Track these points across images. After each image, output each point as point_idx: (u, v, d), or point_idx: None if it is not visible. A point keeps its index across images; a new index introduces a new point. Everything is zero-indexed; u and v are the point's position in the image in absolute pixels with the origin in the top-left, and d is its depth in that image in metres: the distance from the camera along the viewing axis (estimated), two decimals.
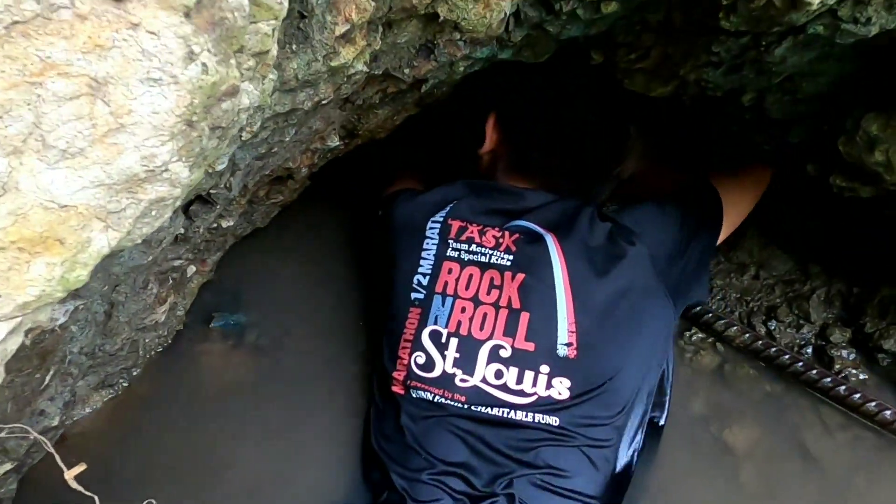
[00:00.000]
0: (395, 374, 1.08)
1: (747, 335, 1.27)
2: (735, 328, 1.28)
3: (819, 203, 1.30)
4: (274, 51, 0.43)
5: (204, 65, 0.39)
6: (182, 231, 0.95)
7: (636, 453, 1.07)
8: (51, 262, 0.37)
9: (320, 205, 1.57)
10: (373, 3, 0.66)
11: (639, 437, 1.08)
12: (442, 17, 0.80)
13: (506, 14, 0.83)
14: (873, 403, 1.14)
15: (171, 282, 1.07)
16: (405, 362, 1.07)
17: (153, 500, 0.72)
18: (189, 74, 0.37)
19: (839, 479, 1.09)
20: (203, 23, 0.38)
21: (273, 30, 0.44)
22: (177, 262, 1.04)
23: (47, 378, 0.77)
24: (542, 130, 1.15)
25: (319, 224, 1.57)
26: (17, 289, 0.36)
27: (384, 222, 1.23)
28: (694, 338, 1.31)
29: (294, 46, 0.62)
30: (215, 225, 1.06)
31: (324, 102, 0.81)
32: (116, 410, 1.19)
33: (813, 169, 1.00)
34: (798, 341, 1.29)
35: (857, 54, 0.80)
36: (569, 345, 1.02)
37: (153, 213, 0.42)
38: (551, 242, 1.06)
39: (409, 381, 1.06)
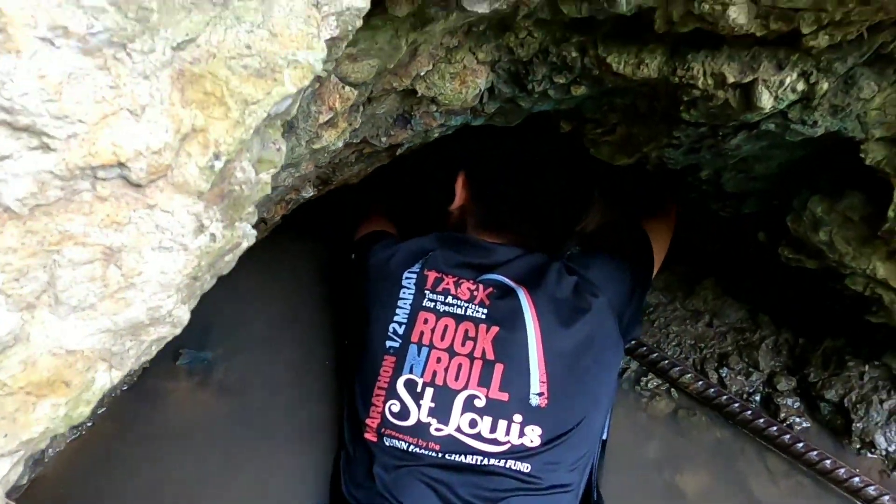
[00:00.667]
0: (367, 421, 1.10)
1: (700, 382, 1.33)
2: (689, 375, 1.34)
3: (769, 262, 1.38)
4: (269, 188, 0.46)
5: (213, 234, 0.41)
6: None
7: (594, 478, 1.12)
8: (56, 403, 0.39)
9: (290, 243, 1.59)
10: (355, 91, 0.69)
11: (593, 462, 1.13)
12: (420, 94, 0.83)
13: (480, 89, 0.87)
14: (815, 452, 1.21)
15: None
16: (379, 410, 1.09)
17: None
18: (198, 243, 0.40)
19: None
20: (213, 197, 0.40)
21: (273, 176, 0.46)
22: None
23: None
24: (510, 191, 1.19)
25: (289, 262, 1.59)
26: (23, 428, 0.38)
27: (358, 267, 1.26)
28: (650, 384, 1.36)
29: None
30: None
31: (303, 174, 0.83)
32: (81, 451, 1.19)
33: (764, 237, 1.06)
34: (747, 388, 1.35)
35: (804, 143, 0.86)
36: (540, 394, 1.06)
37: (153, 348, 0.44)
38: (523, 296, 1.11)
39: (382, 429, 1.08)
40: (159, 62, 0.34)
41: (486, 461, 1.03)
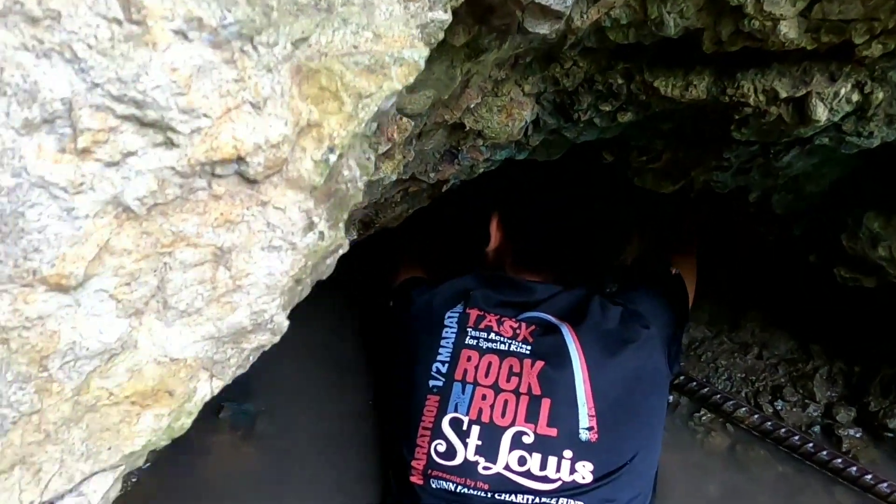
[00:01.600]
0: (413, 464, 1.07)
1: (756, 416, 1.29)
2: (743, 409, 1.30)
3: (818, 286, 1.36)
4: (362, 195, 0.46)
5: (321, 233, 0.41)
6: None
7: None
8: (159, 414, 0.38)
9: (325, 293, 1.58)
10: (412, 122, 0.70)
11: None
12: (468, 127, 0.84)
13: (526, 122, 0.88)
14: (885, 484, 1.16)
15: None
16: (424, 451, 1.06)
17: None
18: (307, 241, 0.40)
19: None
20: (322, 195, 0.40)
21: (366, 182, 0.47)
22: None
23: None
24: (544, 229, 1.20)
25: (325, 312, 1.58)
26: (126, 440, 0.37)
27: (399, 313, 1.25)
28: (703, 419, 1.32)
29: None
30: None
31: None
32: None
33: (815, 258, 1.05)
34: (805, 420, 1.31)
35: (858, 156, 0.85)
36: (590, 429, 1.03)
37: (251, 358, 0.44)
38: (566, 331, 1.09)
39: (429, 471, 1.05)
40: (281, 56, 0.35)
41: (537, 499, 0.99)
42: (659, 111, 0.83)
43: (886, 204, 0.87)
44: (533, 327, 1.12)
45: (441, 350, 1.13)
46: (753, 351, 1.41)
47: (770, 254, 1.42)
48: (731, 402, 1.31)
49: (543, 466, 1.01)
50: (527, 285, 1.17)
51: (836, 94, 0.70)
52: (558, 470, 1.01)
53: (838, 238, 0.93)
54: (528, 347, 1.10)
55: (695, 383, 1.35)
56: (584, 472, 1.01)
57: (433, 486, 1.04)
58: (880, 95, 0.70)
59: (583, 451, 1.02)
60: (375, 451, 1.26)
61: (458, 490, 1.03)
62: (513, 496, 1.00)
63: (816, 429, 1.29)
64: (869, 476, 1.17)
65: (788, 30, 0.66)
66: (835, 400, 1.32)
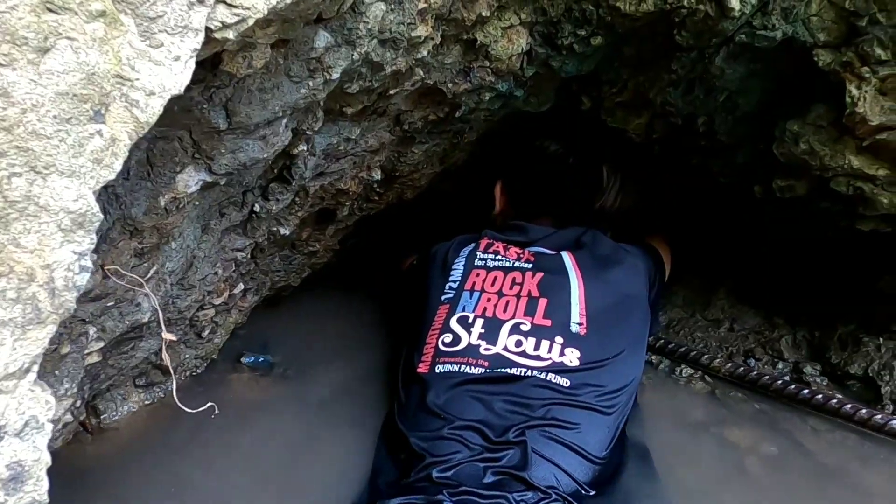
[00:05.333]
0: (422, 357, 1.19)
1: (730, 364, 1.42)
2: (719, 359, 1.43)
3: (779, 267, 1.57)
4: None
5: None
6: (256, 211, 1.14)
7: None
8: None
9: (340, 283, 1.77)
10: None
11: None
12: (479, 42, 1.11)
13: (522, 49, 1.16)
14: (849, 405, 1.27)
15: (229, 275, 1.22)
16: (432, 345, 1.19)
17: None
18: None
19: (835, 468, 1.18)
20: None
21: None
22: (238, 255, 1.20)
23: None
24: (539, 186, 1.44)
25: (339, 297, 1.75)
26: None
27: (418, 266, 1.44)
28: (684, 372, 1.45)
29: (392, 6, 0.91)
30: (274, 229, 1.25)
31: (391, 92, 1.08)
32: (152, 415, 1.24)
33: (759, 190, 1.27)
34: (776, 374, 1.43)
35: (774, 74, 1.12)
36: (580, 324, 1.18)
37: None
38: (565, 254, 1.29)
39: (436, 359, 1.16)
40: None
41: (529, 373, 1.12)
42: (621, 32, 1.11)
43: (801, 111, 1.12)
44: (535, 253, 1.31)
45: (453, 273, 1.30)
46: (725, 325, 1.57)
47: (735, 241, 1.64)
48: (707, 356, 1.44)
49: (537, 347, 1.15)
50: (528, 227, 1.37)
51: None
52: (550, 351, 1.14)
53: (772, 152, 1.17)
54: (531, 264, 1.28)
55: (673, 344, 1.49)
56: (573, 358, 1.14)
57: (438, 371, 1.16)
58: None
59: (572, 340, 1.16)
60: (384, 385, 1.36)
61: (461, 369, 1.14)
62: (509, 369, 1.12)
63: (787, 378, 1.42)
64: (835, 401, 1.28)
65: None
66: (801, 359, 1.46)
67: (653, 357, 1.50)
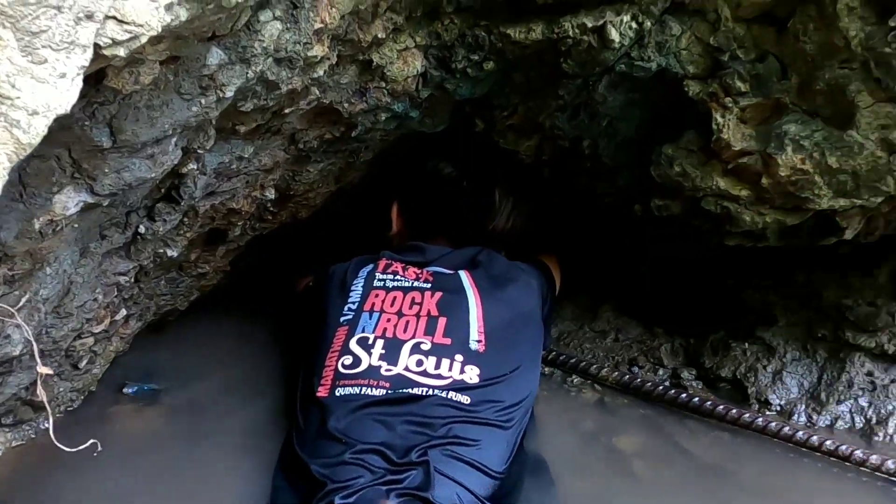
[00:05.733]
0: (321, 381, 1.17)
1: (617, 373, 1.50)
2: (606, 368, 1.51)
3: (657, 283, 1.69)
4: None
5: None
6: (141, 232, 1.09)
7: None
8: None
9: (231, 305, 1.70)
10: (339, 14, 0.96)
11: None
12: (374, 63, 1.12)
13: (418, 71, 1.18)
14: (722, 406, 1.38)
15: (110, 301, 1.14)
16: (332, 368, 1.17)
17: None
18: None
19: (712, 465, 1.27)
20: None
21: None
22: (121, 279, 1.13)
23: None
24: (434, 207, 1.47)
25: (231, 320, 1.68)
26: None
27: (316, 287, 1.41)
28: (575, 381, 1.51)
29: (288, 25, 0.90)
30: (161, 251, 1.19)
31: (286, 111, 1.07)
32: (21, 458, 1.13)
33: (639, 209, 1.36)
34: (657, 381, 1.53)
35: (650, 102, 1.21)
36: (479, 341, 1.20)
37: None
38: (462, 273, 1.31)
39: (336, 382, 1.15)
40: None
41: (431, 392, 1.12)
42: (512, 58, 1.16)
43: (674, 136, 1.21)
44: (433, 273, 1.32)
45: (351, 294, 1.29)
46: (611, 335, 1.66)
47: (619, 257, 1.75)
48: (596, 366, 1.52)
49: (438, 366, 1.16)
50: (425, 247, 1.39)
51: (622, 21, 1.06)
52: (450, 369, 1.16)
53: (650, 174, 1.25)
54: (429, 284, 1.29)
55: (564, 356, 1.56)
56: (472, 375, 1.16)
57: (338, 394, 1.14)
58: (648, 24, 1.07)
59: (471, 358, 1.18)
60: (276, 418, 1.32)
61: (362, 392, 1.13)
62: (410, 389, 1.13)
63: (667, 384, 1.52)
64: (709, 403, 1.39)
65: None
66: (678, 365, 1.57)
67: (546, 369, 1.56)
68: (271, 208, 1.38)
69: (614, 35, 1.07)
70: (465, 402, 1.12)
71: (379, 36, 1.08)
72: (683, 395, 1.42)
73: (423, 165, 1.48)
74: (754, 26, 1.06)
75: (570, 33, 1.08)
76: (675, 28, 1.08)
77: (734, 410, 1.37)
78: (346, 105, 1.16)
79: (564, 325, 1.71)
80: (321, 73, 1.03)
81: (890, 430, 1.34)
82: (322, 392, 1.16)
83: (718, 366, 1.52)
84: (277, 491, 1.10)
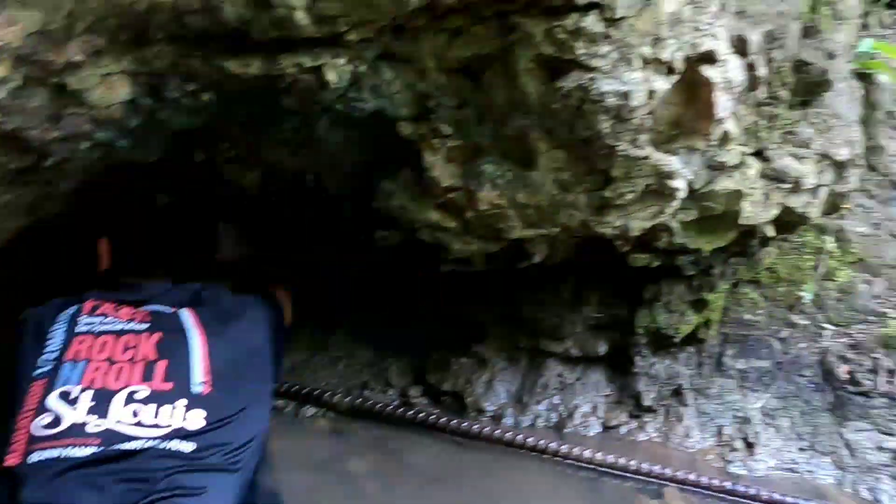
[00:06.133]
0: (11, 448, 1.00)
1: (348, 398, 1.55)
2: (339, 395, 1.55)
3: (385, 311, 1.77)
4: None
5: None
6: None
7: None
8: None
9: None
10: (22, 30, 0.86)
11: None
12: (70, 88, 1.02)
13: (124, 99, 1.10)
14: (445, 418, 1.51)
15: None
16: (25, 431, 1.01)
17: None
18: None
19: (437, 476, 1.38)
20: None
21: None
22: None
23: None
24: (148, 241, 1.37)
25: None
26: None
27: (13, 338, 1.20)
28: (308, 412, 1.53)
29: None
30: None
31: None
32: None
33: (365, 238, 1.43)
34: (387, 402, 1.61)
35: (369, 140, 1.28)
36: (203, 383, 1.14)
37: None
38: (183, 311, 1.23)
39: (29, 447, 0.99)
40: None
41: (147, 444, 1.02)
42: (230, 91, 1.14)
43: (393, 173, 1.30)
44: (151, 312, 1.22)
45: (49, 344, 1.13)
46: (343, 361, 1.71)
47: (349, 290, 1.80)
48: (329, 393, 1.55)
49: (157, 415, 1.06)
50: (142, 285, 1.27)
51: (338, 63, 1.11)
52: (172, 416, 1.07)
53: (372, 206, 1.33)
54: (146, 325, 1.18)
55: (298, 386, 1.57)
56: (198, 419, 1.09)
57: (34, 459, 0.98)
58: (363, 69, 1.13)
59: (196, 401, 1.11)
60: None
61: (63, 455, 0.98)
62: (123, 444, 1.02)
63: (396, 403, 1.61)
64: (433, 416, 1.51)
65: (301, 20, 1.05)
66: (406, 384, 1.67)
67: (280, 401, 1.54)
68: None
69: (332, 76, 1.11)
70: (188, 449, 1.05)
71: (75, 59, 0.98)
72: (410, 412, 1.52)
73: (136, 196, 1.37)
74: (456, 77, 1.19)
75: (288, 71, 1.10)
76: (388, 73, 1.17)
77: (454, 421, 1.50)
78: (35, 132, 1.03)
79: (299, 354, 1.71)
80: (2, 94, 0.90)
81: (576, 421, 1.60)
82: (11, 460, 0.99)
83: (441, 381, 1.65)
84: None
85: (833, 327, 1.69)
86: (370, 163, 1.32)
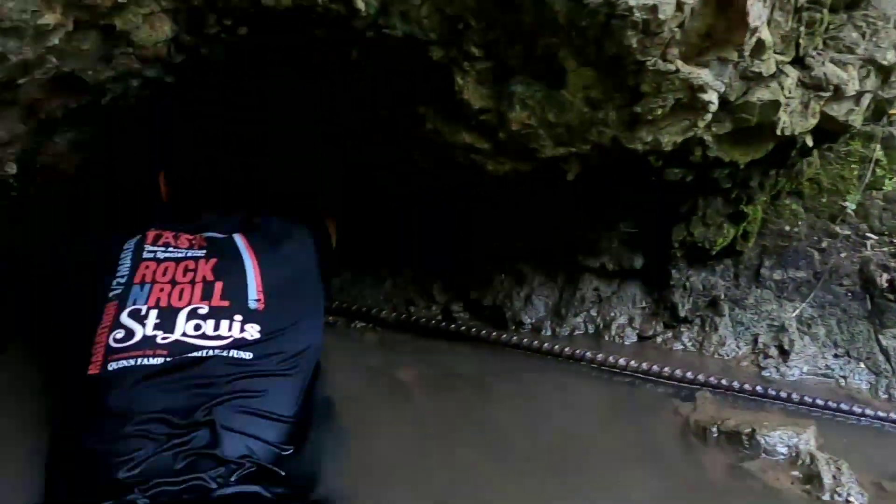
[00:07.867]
0: (91, 360, 1.12)
1: (395, 314, 1.65)
2: (385, 311, 1.65)
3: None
4: None
5: None
6: None
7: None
8: None
9: None
10: None
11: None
12: (118, 28, 1.08)
13: (168, 36, 1.15)
14: (475, 328, 1.59)
15: None
16: (102, 344, 1.13)
17: None
18: None
19: (475, 381, 1.47)
20: None
21: None
22: None
23: None
24: (199, 175, 1.46)
25: None
26: None
27: (74, 264, 1.32)
28: (358, 326, 1.63)
29: None
30: None
31: (20, 82, 0.99)
32: None
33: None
34: (431, 315, 1.71)
35: (404, 66, 1.31)
36: (258, 300, 1.25)
37: None
38: (237, 237, 1.34)
39: (108, 357, 1.11)
40: None
41: (211, 353, 1.14)
42: (265, 24, 1.18)
43: (429, 95, 1.34)
44: (207, 238, 1.33)
45: (119, 269, 1.25)
46: (388, 282, 1.80)
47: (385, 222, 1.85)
48: (376, 309, 1.65)
49: (217, 328, 1.18)
50: (198, 213, 1.38)
51: None
52: (230, 329, 1.18)
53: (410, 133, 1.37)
54: (203, 251, 1.30)
55: (346, 304, 1.67)
56: (253, 332, 1.19)
57: (111, 368, 1.10)
58: None
59: (251, 316, 1.22)
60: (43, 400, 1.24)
61: (138, 363, 1.10)
62: (190, 354, 1.13)
63: (441, 317, 1.70)
64: (464, 327, 1.60)
65: None
66: (449, 300, 1.76)
67: (330, 318, 1.65)
68: (14, 183, 1.27)
69: (360, 4, 1.14)
70: (248, 357, 1.17)
71: (119, 0, 1.04)
72: (452, 326, 1.61)
73: (191, 129, 1.45)
74: None
75: (319, 1, 1.14)
76: None
77: (494, 333, 1.59)
78: (90, 72, 1.10)
79: (345, 276, 1.81)
80: (56, 41, 0.97)
81: (613, 332, 1.66)
82: (93, 369, 1.12)
83: (482, 295, 1.73)
84: (53, 485, 1.05)
85: (876, 236, 1.68)
86: (409, 88, 1.35)
